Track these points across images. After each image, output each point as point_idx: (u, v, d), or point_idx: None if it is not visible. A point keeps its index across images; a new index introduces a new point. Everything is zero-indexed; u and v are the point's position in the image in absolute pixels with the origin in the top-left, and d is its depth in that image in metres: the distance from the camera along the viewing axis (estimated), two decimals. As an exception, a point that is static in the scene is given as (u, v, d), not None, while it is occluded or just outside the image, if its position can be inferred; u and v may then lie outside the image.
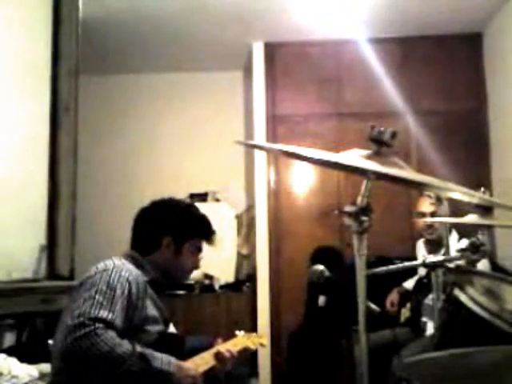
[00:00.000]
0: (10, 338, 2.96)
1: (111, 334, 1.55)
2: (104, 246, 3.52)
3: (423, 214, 3.18)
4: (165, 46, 4.57)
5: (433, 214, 3.04)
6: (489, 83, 4.33)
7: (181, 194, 4.50)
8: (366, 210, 1.25)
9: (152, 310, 1.79)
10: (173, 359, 1.66)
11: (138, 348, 1.59)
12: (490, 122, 4.31)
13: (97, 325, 1.53)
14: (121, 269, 1.72)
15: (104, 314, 1.57)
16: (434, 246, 3.14)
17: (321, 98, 4.43)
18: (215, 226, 2.04)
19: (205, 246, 2.03)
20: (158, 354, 1.63)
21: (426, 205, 3.13)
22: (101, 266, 1.74)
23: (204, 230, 2.01)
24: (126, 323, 1.64)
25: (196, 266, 2.00)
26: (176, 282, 2.00)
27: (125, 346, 1.55)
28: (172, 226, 1.94)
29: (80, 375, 1.57)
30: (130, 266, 1.79)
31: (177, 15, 4.01)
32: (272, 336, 4.12)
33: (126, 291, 1.67)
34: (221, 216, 4.38)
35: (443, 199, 2.33)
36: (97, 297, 1.60)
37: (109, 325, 1.56)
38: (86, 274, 1.74)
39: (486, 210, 1.88)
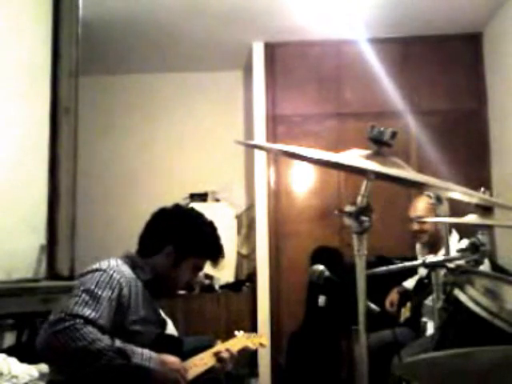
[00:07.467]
0: (9, 338, 2.96)
1: (90, 329, 1.54)
2: (104, 246, 3.53)
3: (414, 219, 3.18)
4: (165, 46, 4.57)
5: (425, 216, 3.04)
6: (489, 83, 4.32)
7: (181, 193, 4.50)
8: (366, 210, 1.25)
9: (146, 312, 1.78)
10: (154, 354, 1.64)
11: (118, 343, 1.58)
12: (489, 122, 4.31)
13: (77, 320, 1.53)
14: (113, 270, 1.72)
15: (86, 312, 1.57)
16: (432, 247, 3.14)
17: (321, 98, 4.44)
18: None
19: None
20: (138, 350, 1.61)
21: (418, 208, 3.13)
22: (95, 265, 1.75)
23: (211, 251, 1.97)
24: (114, 324, 1.64)
25: (190, 284, 1.94)
26: (163, 293, 1.92)
27: (104, 341, 1.55)
28: (178, 239, 1.90)
29: (61, 369, 1.57)
30: (125, 268, 1.79)
31: (177, 15, 4.01)
32: (272, 336, 4.11)
33: (116, 292, 1.67)
34: (221, 216, 4.37)
35: (443, 199, 2.34)
36: (83, 295, 1.61)
37: (89, 321, 1.56)
38: (80, 272, 1.76)
39: (485, 210, 1.89)
